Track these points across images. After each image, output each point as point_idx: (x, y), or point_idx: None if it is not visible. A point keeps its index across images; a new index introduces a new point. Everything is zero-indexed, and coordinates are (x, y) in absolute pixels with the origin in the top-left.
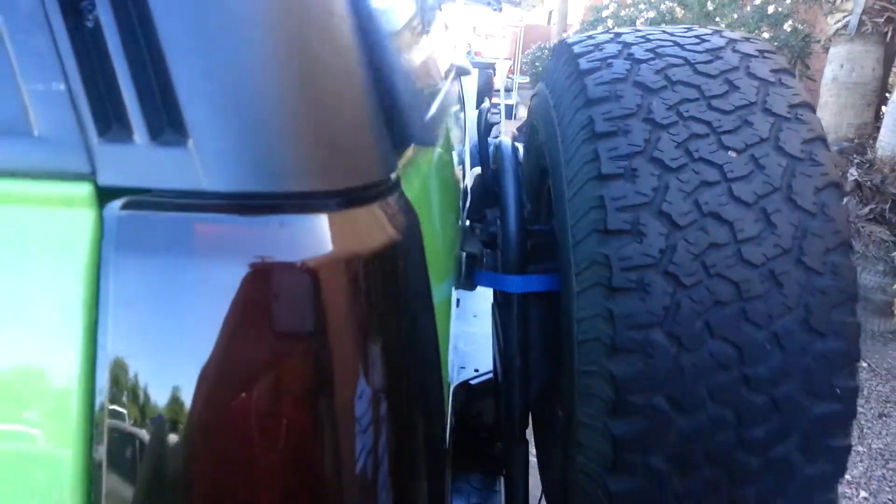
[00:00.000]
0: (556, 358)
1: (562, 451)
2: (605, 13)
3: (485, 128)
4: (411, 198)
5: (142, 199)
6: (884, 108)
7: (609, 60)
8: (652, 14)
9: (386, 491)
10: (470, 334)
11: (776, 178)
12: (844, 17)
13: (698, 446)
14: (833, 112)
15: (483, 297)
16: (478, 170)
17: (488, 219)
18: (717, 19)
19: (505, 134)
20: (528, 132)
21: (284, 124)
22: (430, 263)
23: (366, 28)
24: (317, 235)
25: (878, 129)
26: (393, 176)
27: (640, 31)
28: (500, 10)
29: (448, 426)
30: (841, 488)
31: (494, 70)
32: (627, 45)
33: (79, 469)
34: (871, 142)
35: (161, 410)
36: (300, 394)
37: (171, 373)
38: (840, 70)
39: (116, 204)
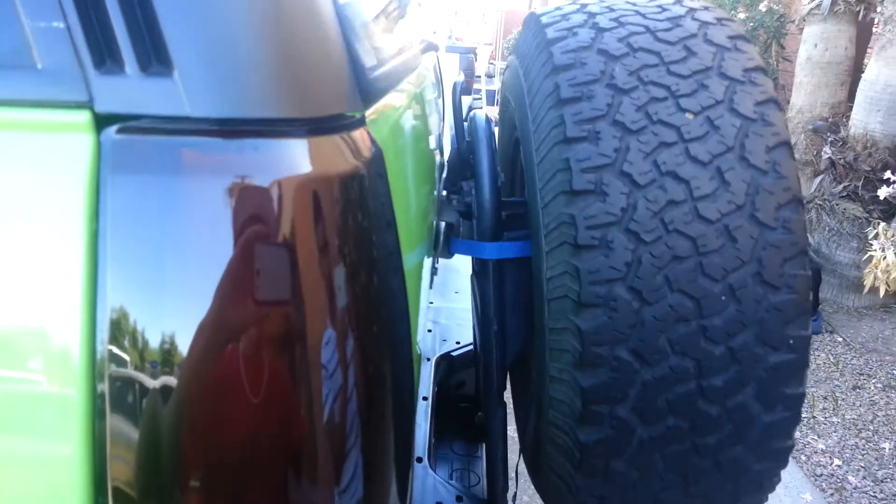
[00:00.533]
0: (531, 322)
1: (536, 409)
2: None
3: (460, 101)
4: (379, 139)
5: (134, 124)
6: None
7: (575, 30)
8: None
9: (347, 394)
10: (452, 310)
11: (730, 138)
12: None
13: (661, 396)
14: (808, 91)
15: (465, 274)
16: None
17: (464, 190)
18: None
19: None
20: (501, 105)
21: (259, 57)
22: (401, 207)
23: None
24: (285, 158)
25: (851, 107)
26: (359, 114)
27: (605, 1)
28: None
29: (416, 370)
30: (815, 457)
31: (475, 55)
32: (592, 14)
33: (85, 354)
34: (844, 120)
35: (156, 315)
36: (271, 296)
37: (162, 276)
38: (814, 50)
39: (112, 129)
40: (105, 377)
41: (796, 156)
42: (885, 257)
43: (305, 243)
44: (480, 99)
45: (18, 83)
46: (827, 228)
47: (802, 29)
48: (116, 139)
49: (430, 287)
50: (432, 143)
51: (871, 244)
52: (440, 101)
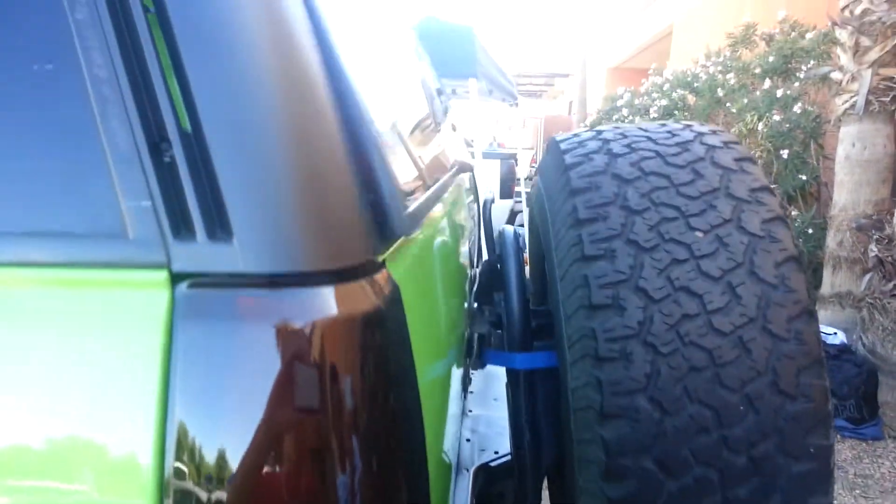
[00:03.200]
0: (563, 431)
1: None
2: (619, 102)
3: (490, 218)
4: (397, 277)
5: (201, 280)
6: None
7: (591, 155)
8: (665, 102)
9: None
10: (491, 418)
11: (739, 254)
12: (851, 97)
13: None
14: (849, 189)
15: (504, 380)
16: None
17: (495, 301)
18: (728, 105)
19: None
20: (529, 221)
21: (296, 229)
22: (418, 332)
23: (358, 139)
24: (316, 303)
25: (895, 203)
26: (380, 258)
27: (619, 127)
28: (517, 105)
29: (444, 480)
30: None
31: (516, 160)
32: (607, 141)
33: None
34: (888, 217)
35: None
36: (305, 409)
37: (220, 396)
38: (852, 149)
39: (184, 284)
40: (171, 490)
41: (843, 253)
42: None
43: (333, 370)
44: (521, 201)
45: (114, 250)
46: (881, 328)
47: (839, 128)
48: (187, 292)
49: (468, 393)
50: (462, 259)
51: None
52: (473, 214)
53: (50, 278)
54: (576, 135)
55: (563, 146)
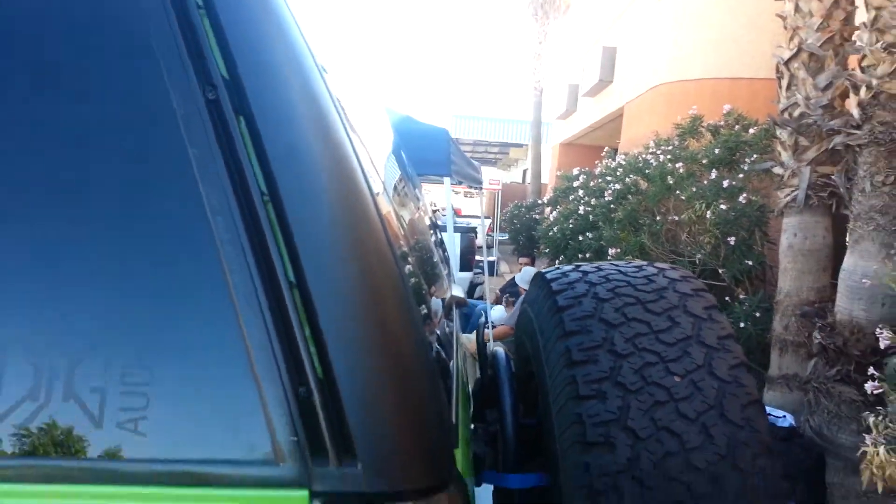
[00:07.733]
0: None
1: None
2: (575, 183)
3: (484, 345)
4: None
5: (334, 499)
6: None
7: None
8: (619, 186)
9: None
10: None
11: (711, 398)
12: (792, 191)
13: None
14: (793, 277)
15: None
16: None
17: (488, 419)
18: (678, 192)
19: (489, 291)
20: (516, 341)
21: (405, 459)
22: None
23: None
24: None
25: (836, 288)
26: (454, 472)
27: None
28: (480, 189)
29: None
30: None
31: (475, 233)
32: (593, 284)
33: None
34: (830, 305)
35: None
36: None
37: None
38: (794, 238)
39: (318, 500)
40: None
41: (789, 337)
42: (877, 453)
43: None
44: (481, 272)
45: (270, 475)
46: (826, 411)
47: (782, 218)
48: None
49: None
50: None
51: (865, 438)
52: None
53: (212, 496)
54: (563, 274)
55: (553, 286)
